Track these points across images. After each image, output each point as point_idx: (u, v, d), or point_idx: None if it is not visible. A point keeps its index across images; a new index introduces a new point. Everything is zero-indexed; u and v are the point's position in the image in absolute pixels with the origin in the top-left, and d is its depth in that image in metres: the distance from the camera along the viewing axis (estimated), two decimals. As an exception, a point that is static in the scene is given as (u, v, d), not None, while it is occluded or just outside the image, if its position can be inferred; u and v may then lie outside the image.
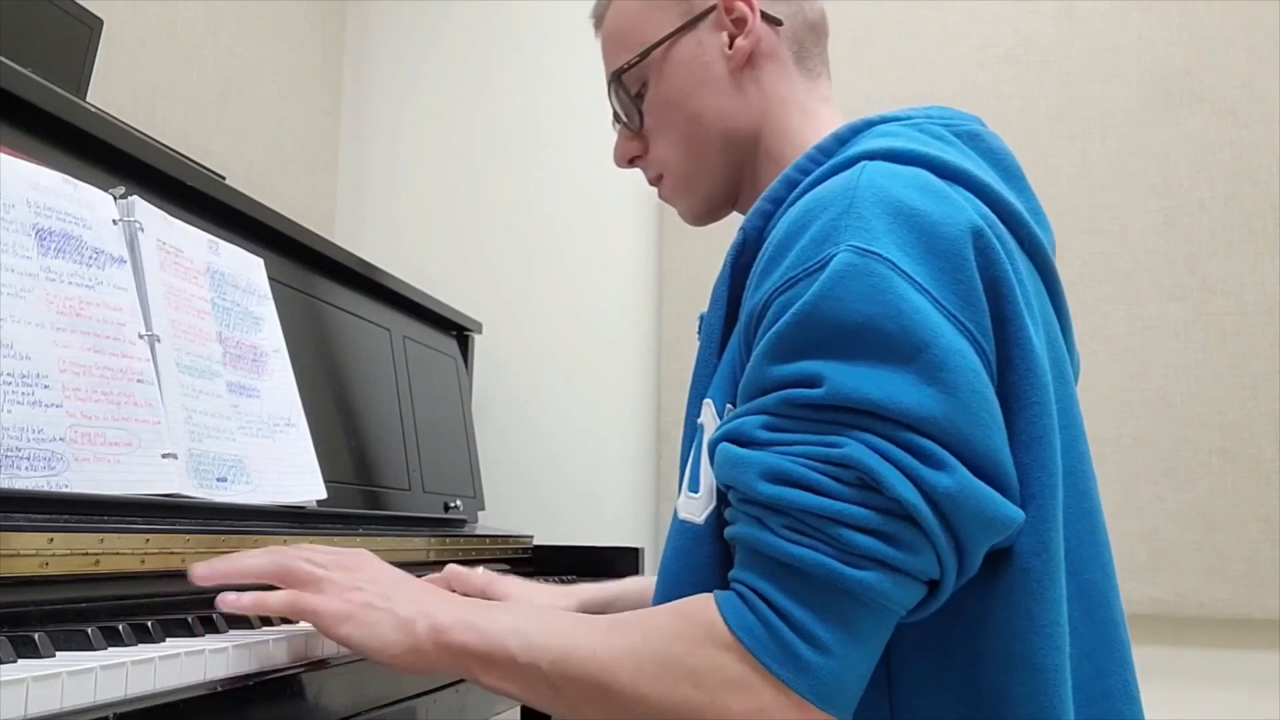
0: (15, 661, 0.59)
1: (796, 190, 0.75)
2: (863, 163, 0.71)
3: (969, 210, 0.69)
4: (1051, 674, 0.65)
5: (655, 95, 0.90)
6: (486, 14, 2.30)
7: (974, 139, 0.81)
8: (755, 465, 0.64)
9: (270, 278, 1.20)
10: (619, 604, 1.09)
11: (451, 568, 1.12)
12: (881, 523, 0.61)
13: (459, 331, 1.92)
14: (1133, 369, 1.78)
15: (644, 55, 0.89)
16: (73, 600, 0.73)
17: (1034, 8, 1.90)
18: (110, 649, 0.65)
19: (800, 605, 0.62)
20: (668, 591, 0.74)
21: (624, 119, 0.93)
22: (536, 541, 1.63)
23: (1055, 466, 0.68)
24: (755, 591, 0.64)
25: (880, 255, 0.64)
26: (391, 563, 1.21)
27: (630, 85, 0.90)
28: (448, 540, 1.33)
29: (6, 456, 0.76)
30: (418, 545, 1.25)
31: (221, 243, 1.13)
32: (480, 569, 1.12)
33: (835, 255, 0.64)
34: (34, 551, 0.69)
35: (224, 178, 1.28)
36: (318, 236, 1.40)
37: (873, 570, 0.61)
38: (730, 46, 0.86)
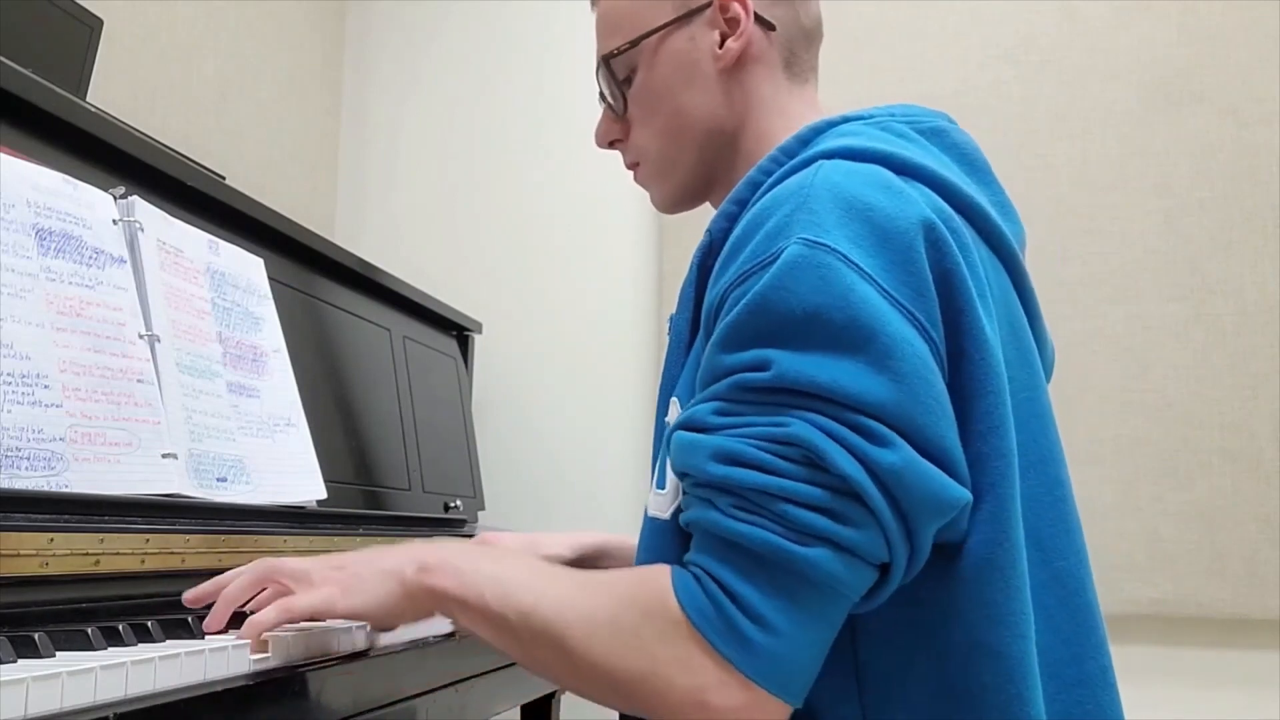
0: (15, 661, 0.59)
1: (760, 191, 0.77)
2: (819, 161, 0.72)
3: (921, 204, 0.70)
4: (1018, 661, 0.66)
5: (642, 84, 0.90)
6: (486, 14, 2.30)
7: (938, 135, 0.82)
8: (706, 448, 0.65)
9: (270, 278, 1.20)
10: (616, 553, 1.09)
11: None
12: (828, 500, 0.62)
13: (459, 331, 1.92)
14: (1133, 369, 1.78)
15: (635, 43, 0.89)
16: (73, 600, 0.73)
17: (1034, 8, 1.90)
18: (110, 649, 0.65)
19: (748, 584, 0.63)
20: None
21: (609, 101, 0.93)
22: (536, 541, 1.63)
23: (1013, 455, 0.69)
24: (707, 572, 0.65)
25: (829, 247, 0.65)
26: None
27: (619, 71, 0.91)
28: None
29: (6, 456, 0.76)
30: (418, 545, 1.25)
31: (221, 243, 1.13)
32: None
33: (786, 248, 0.66)
34: (34, 551, 0.70)
35: (224, 178, 1.28)
36: (318, 236, 1.40)
37: (821, 548, 0.62)
38: (721, 46, 0.87)
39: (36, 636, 0.62)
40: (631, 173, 0.96)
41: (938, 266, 0.68)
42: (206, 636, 0.75)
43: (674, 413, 0.77)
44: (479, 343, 2.01)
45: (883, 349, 0.63)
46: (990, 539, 0.67)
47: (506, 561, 0.74)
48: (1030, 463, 0.72)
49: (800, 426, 0.63)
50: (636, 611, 0.65)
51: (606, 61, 0.91)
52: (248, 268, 1.16)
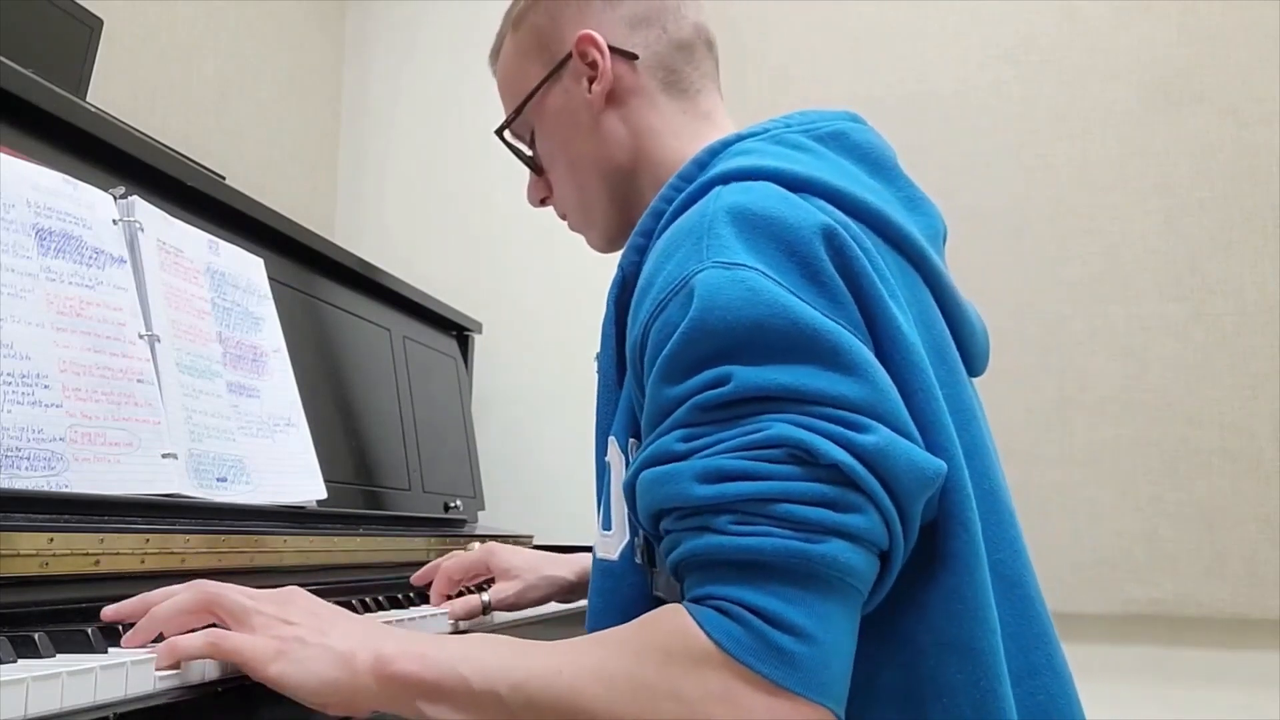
0: (15, 661, 0.59)
1: (663, 220, 0.78)
2: (716, 188, 0.73)
3: (819, 214, 0.70)
4: (988, 657, 0.66)
5: (540, 143, 0.94)
6: (487, 14, 2.29)
7: (837, 138, 0.82)
8: (685, 474, 0.63)
9: (270, 278, 1.20)
10: None
11: (443, 558, 1.12)
12: (825, 491, 0.61)
13: (459, 331, 1.92)
14: (1133, 369, 1.78)
15: (519, 110, 0.93)
16: (73, 600, 0.73)
17: (1034, 8, 1.89)
18: (110, 649, 0.65)
19: (772, 597, 0.60)
20: (596, 628, 0.73)
21: (526, 164, 0.96)
22: (536, 541, 1.63)
23: (955, 449, 0.69)
24: (726, 599, 0.62)
25: (746, 265, 0.65)
26: (391, 563, 1.21)
27: (522, 134, 0.94)
28: (448, 540, 1.33)
29: (6, 456, 0.76)
30: (418, 545, 1.25)
31: (221, 243, 1.13)
32: (475, 544, 1.12)
33: (699, 273, 0.66)
34: (34, 551, 0.69)
35: (224, 178, 1.28)
36: (318, 236, 1.40)
37: (831, 541, 0.61)
38: (590, 91, 0.88)
39: (36, 636, 0.62)
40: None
41: (844, 271, 0.68)
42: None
43: (612, 451, 0.76)
44: (479, 343, 2.01)
45: (831, 348, 0.64)
46: (953, 532, 0.68)
47: (472, 637, 0.69)
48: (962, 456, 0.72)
49: (779, 427, 0.62)
50: (656, 656, 0.61)
51: (500, 134, 0.95)
52: (248, 268, 1.16)
